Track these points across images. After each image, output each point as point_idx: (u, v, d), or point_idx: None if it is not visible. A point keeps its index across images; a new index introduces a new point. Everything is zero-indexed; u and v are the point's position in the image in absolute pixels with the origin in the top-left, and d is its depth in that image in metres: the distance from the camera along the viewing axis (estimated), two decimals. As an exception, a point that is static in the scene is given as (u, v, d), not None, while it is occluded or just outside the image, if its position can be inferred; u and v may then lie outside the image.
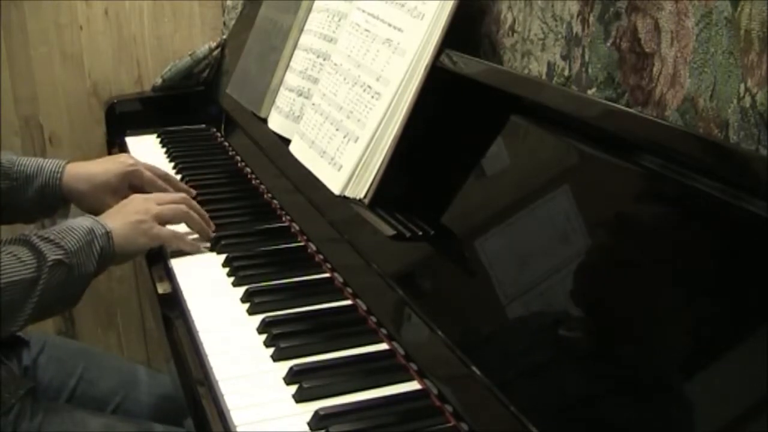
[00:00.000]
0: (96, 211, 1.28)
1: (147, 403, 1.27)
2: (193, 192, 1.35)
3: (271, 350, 0.92)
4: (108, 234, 1.08)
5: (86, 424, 1.13)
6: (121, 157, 1.36)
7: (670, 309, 0.67)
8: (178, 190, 1.33)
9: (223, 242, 1.19)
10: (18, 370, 1.22)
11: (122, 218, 1.12)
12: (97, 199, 1.27)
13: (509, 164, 0.95)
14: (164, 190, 1.30)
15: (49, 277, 1.01)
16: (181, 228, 1.20)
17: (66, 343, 1.36)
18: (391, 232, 1.01)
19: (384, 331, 0.94)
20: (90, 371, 1.28)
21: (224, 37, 1.95)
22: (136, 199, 1.18)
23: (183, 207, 1.18)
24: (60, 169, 1.27)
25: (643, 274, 0.71)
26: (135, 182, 1.30)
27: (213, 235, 1.20)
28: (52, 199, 1.28)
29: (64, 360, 1.28)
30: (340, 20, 1.32)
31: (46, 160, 1.30)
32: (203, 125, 1.85)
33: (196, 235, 1.20)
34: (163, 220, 1.16)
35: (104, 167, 1.31)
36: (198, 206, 1.22)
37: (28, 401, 1.10)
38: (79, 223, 1.08)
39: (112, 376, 1.29)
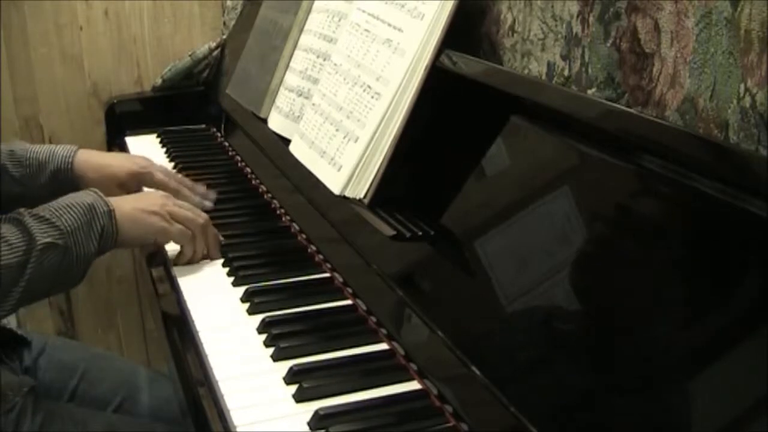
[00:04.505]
0: None
1: (148, 404, 1.26)
2: (213, 195, 1.33)
3: (271, 350, 0.92)
4: (111, 212, 1.03)
5: (87, 424, 1.13)
6: (135, 158, 1.35)
7: (670, 309, 0.67)
8: (193, 192, 1.30)
9: (223, 242, 1.18)
10: (19, 370, 1.22)
11: (132, 203, 1.07)
12: (104, 189, 1.23)
13: (509, 165, 0.95)
14: (176, 192, 1.26)
15: (40, 261, 0.95)
16: None
17: (67, 345, 1.35)
18: (391, 232, 1.00)
19: (384, 331, 0.94)
20: (91, 372, 1.28)
21: (224, 37, 1.95)
22: (155, 194, 1.14)
23: (199, 212, 1.14)
24: (71, 154, 1.27)
25: (643, 275, 0.71)
26: (145, 185, 1.28)
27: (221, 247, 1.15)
28: (66, 184, 1.25)
29: (64, 362, 1.27)
30: (340, 20, 1.32)
31: (57, 145, 1.28)
32: (203, 125, 1.85)
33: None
34: (176, 220, 1.11)
35: (116, 161, 1.30)
36: (213, 230, 1.16)
37: (30, 400, 1.09)
38: (80, 198, 1.02)
39: (112, 378, 1.28)
